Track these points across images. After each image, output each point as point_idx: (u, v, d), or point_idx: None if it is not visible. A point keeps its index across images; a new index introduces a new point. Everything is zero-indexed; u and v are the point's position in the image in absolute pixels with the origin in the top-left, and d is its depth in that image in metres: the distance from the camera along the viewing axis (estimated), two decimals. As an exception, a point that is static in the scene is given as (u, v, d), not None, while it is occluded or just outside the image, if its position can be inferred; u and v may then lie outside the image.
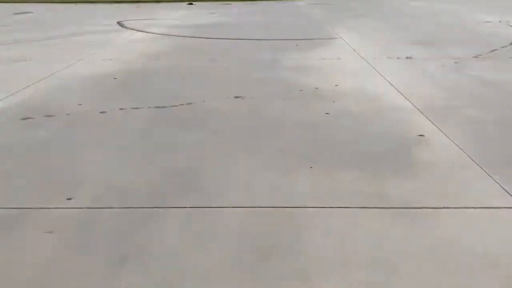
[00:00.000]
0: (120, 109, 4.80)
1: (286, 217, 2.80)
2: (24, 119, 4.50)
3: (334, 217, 2.78)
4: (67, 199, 2.97)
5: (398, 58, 7.18)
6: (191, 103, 4.99)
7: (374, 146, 3.84)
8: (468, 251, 2.41)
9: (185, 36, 9.77)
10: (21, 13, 14.87)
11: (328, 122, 4.41)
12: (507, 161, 3.48)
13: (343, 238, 2.56)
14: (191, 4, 16.71)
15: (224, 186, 3.18)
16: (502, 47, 7.91)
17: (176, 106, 4.90)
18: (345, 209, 2.86)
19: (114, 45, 8.83)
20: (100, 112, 4.71)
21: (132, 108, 4.83)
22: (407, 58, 7.17)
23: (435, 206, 2.85)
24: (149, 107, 4.85)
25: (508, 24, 10.24)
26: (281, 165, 3.48)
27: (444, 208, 2.82)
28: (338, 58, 7.24)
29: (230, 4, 16.25)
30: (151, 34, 10.07)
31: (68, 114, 4.65)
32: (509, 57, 7.14)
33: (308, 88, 5.53)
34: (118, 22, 11.95)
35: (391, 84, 5.64)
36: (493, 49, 7.73)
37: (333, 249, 2.47)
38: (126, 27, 11.21)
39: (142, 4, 17.32)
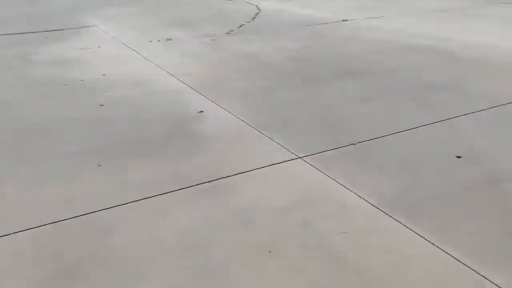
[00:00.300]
0: None
1: (86, 225, 2.52)
2: None
3: (137, 211, 2.64)
4: None
5: (159, 40, 7.21)
6: None
7: (158, 129, 3.78)
8: (266, 207, 2.62)
9: None
10: None
11: (105, 113, 4.13)
12: (277, 122, 3.89)
13: (151, 231, 2.45)
14: None
15: (4, 210, 2.66)
16: (247, 22, 8.77)
17: None
18: (146, 200, 2.74)
19: None
20: None
21: None
22: (168, 40, 7.26)
23: (230, 174, 2.99)
24: None
25: (246, 1, 11.40)
26: (65, 170, 3.11)
27: (239, 174, 2.99)
28: (98, 47, 6.83)
29: None
30: None
31: None
32: (255, 31, 7.97)
33: (73, 81, 5.06)
34: None
35: (159, 67, 5.64)
36: (240, 24, 8.50)
37: (144, 244, 2.35)
38: None
39: None
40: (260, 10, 10.20)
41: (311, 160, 3.14)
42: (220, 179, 2.95)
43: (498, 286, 1.99)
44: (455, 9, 9.66)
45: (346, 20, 8.56)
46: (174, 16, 9.82)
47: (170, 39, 7.30)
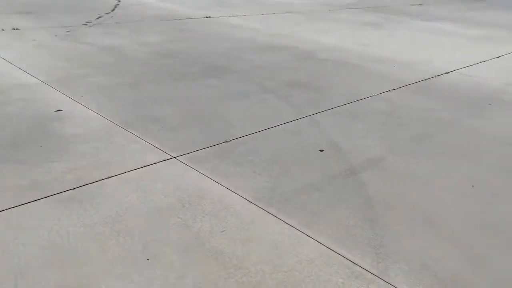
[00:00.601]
0: None
1: None
2: None
3: (-11, 226, 2.29)
4: None
5: (3, 30, 6.39)
6: None
7: (11, 131, 3.35)
8: (142, 211, 2.49)
9: None
10: None
11: None
12: (147, 121, 3.73)
13: (7, 247, 2.15)
14: None
15: None
16: (106, 13, 8.28)
17: None
18: (2, 212, 2.39)
19: None
20: None
21: None
22: (14, 29, 6.48)
23: (99, 179, 2.78)
24: None
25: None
26: None
27: (108, 178, 2.79)
28: None
29: None
30: None
31: None
32: (116, 23, 7.56)
33: None
34: None
35: (5, 60, 4.99)
36: (99, 16, 7.98)
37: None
38: None
39: None
40: (119, 1, 9.71)
41: (185, 160, 3.08)
42: (87, 185, 2.72)
43: (364, 269, 2.18)
44: (310, 12, 10.42)
45: (209, 17, 8.62)
46: (21, 2, 8.81)
47: (17, 28, 6.53)
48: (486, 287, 2.14)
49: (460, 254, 2.35)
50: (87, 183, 2.73)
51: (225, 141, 3.39)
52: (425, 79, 5.46)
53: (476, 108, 4.61)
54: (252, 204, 2.64)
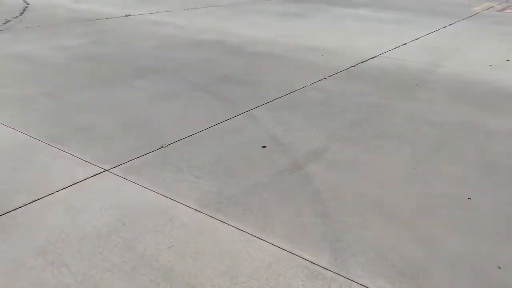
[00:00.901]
0: None
1: None
2: None
3: None
4: None
5: None
6: None
7: None
8: (78, 236, 2.23)
9: None
10: None
11: None
12: (71, 132, 3.41)
13: None
14: None
15: None
16: (14, 17, 7.61)
17: None
18: None
19: None
20: None
21: None
22: None
23: (22, 204, 2.46)
24: None
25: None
26: None
27: (33, 202, 2.49)
28: None
29: None
30: None
31: None
32: (26, 27, 6.95)
33: None
34: None
35: None
36: (6, 20, 7.31)
37: None
38: None
39: None
40: (28, 3, 9.01)
41: (120, 171, 2.83)
42: (9, 212, 2.40)
43: (323, 267, 2.10)
44: (233, 5, 10.29)
45: (129, 15, 8.23)
46: None
47: None
48: (442, 268, 2.14)
49: (413, 238, 2.35)
50: (9, 210, 2.41)
51: (162, 147, 3.18)
52: (353, 65, 5.54)
53: (405, 89, 4.74)
54: (199, 212, 2.47)
